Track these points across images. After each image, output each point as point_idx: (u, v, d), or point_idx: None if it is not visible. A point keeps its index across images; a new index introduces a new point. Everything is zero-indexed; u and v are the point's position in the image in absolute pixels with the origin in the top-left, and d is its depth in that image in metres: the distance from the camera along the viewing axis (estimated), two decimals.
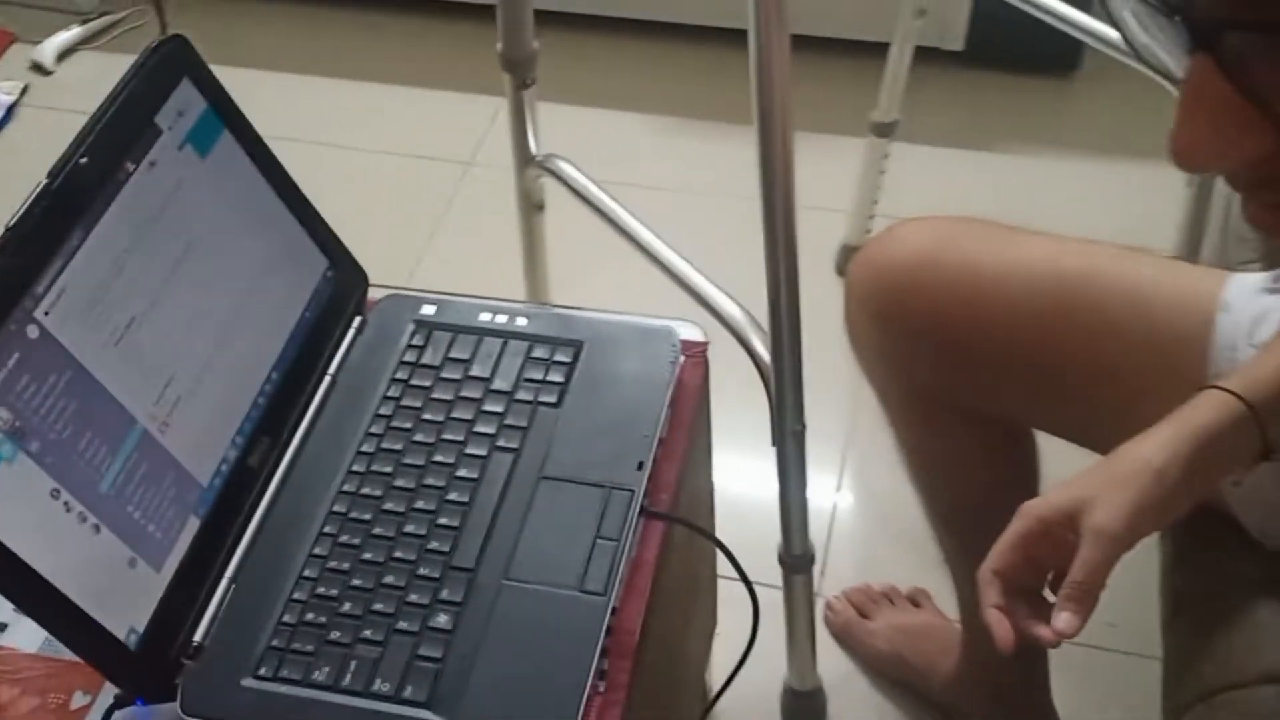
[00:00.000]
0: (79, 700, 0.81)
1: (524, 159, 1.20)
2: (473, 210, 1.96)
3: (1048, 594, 0.78)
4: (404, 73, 2.22)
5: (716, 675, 1.28)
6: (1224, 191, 1.40)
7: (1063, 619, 0.72)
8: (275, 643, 0.79)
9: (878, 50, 1.57)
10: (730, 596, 1.10)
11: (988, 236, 0.97)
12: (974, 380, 0.97)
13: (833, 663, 1.36)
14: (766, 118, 0.89)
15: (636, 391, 0.92)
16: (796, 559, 1.14)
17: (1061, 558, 0.75)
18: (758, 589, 0.89)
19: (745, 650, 0.91)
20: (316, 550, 0.83)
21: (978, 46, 2.06)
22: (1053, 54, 2.08)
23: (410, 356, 0.95)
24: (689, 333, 0.97)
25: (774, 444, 1.06)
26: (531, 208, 1.25)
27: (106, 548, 0.74)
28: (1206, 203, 1.44)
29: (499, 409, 0.91)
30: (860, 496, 1.55)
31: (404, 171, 2.05)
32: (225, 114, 0.85)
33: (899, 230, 0.99)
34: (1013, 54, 2.07)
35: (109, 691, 0.80)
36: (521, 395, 0.92)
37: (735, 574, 0.89)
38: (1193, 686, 0.91)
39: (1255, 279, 0.91)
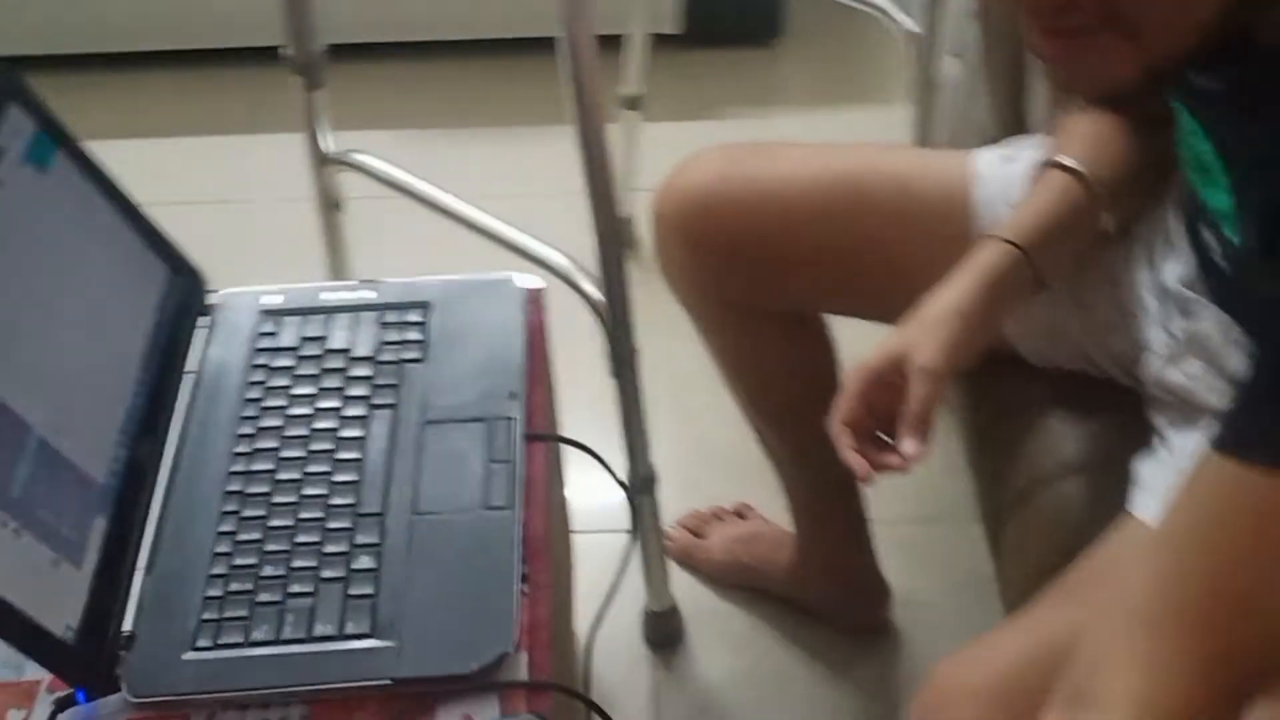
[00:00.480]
0: (14, 718, 0.81)
1: (319, 159, 1.24)
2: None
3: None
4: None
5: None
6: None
7: (906, 445, 0.85)
8: (207, 615, 0.81)
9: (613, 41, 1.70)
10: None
11: (768, 154, 1.10)
12: (774, 280, 1.10)
13: (681, 587, 1.46)
14: (579, 88, 0.99)
15: (492, 336, 0.99)
16: (643, 481, 1.23)
17: (895, 400, 0.88)
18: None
19: (622, 565, 1.01)
20: (223, 528, 0.86)
21: (694, 28, 2.24)
22: (758, 26, 2.31)
23: (266, 343, 0.99)
24: (524, 282, 1.05)
25: (612, 375, 1.15)
26: (330, 207, 1.29)
27: (29, 550, 0.75)
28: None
29: (367, 373, 0.96)
30: (675, 430, 1.66)
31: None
32: (56, 135, 0.87)
33: (692, 161, 1.10)
34: (724, 30, 2.28)
35: (44, 703, 0.80)
36: (385, 357, 0.97)
37: None
38: (1008, 495, 1.07)
39: (993, 153, 1.07)
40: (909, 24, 1.44)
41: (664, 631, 1.40)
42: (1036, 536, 1.02)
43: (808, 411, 1.21)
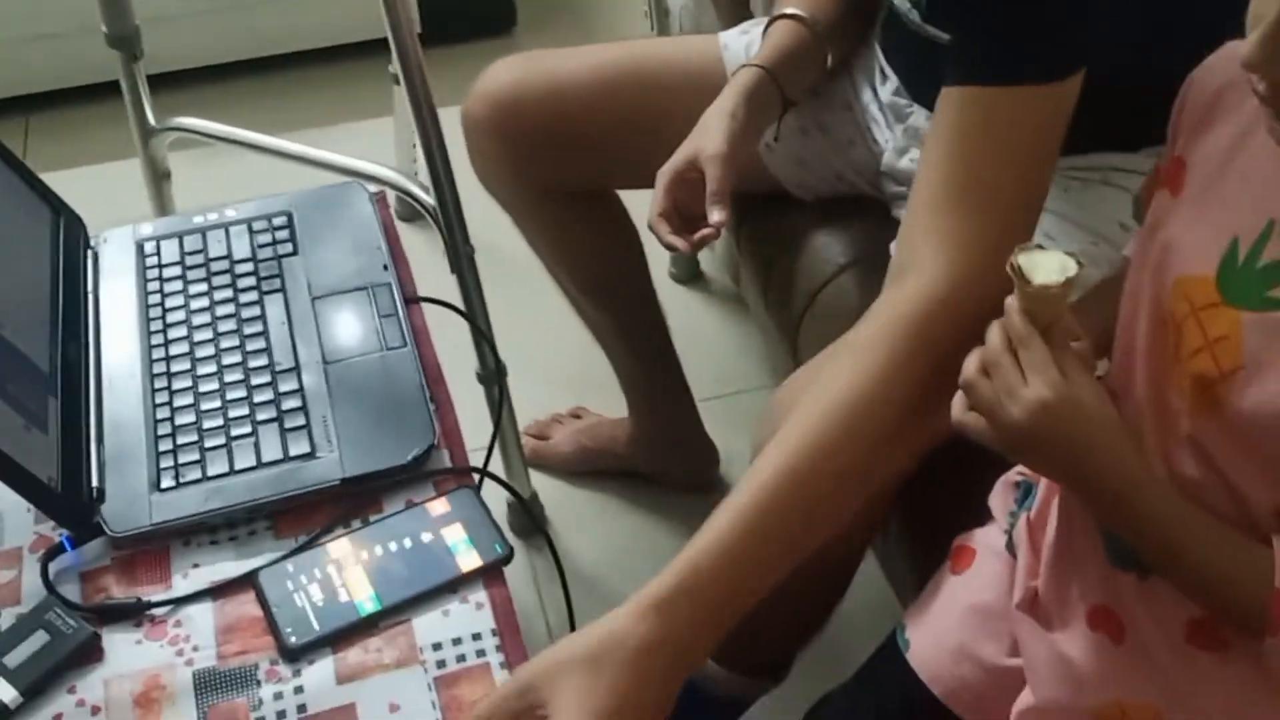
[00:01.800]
0: (6, 576, 0.90)
1: (146, 132, 1.36)
2: None
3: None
4: None
5: None
6: None
7: (715, 214, 1.06)
8: (165, 465, 0.94)
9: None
10: None
11: (560, 54, 1.32)
12: (575, 160, 1.30)
13: (537, 484, 1.63)
14: (396, 29, 1.17)
15: (353, 226, 1.14)
16: (492, 371, 1.39)
17: (696, 195, 1.09)
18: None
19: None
20: (160, 400, 0.99)
21: (433, 27, 2.41)
22: (493, 18, 2.51)
23: (151, 262, 1.11)
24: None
25: (453, 271, 1.32)
26: (160, 177, 1.41)
27: (7, 416, 0.86)
28: None
29: (249, 269, 1.10)
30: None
31: None
32: None
33: (493, 69, 1.30)
34: (461, 26, 2.47)
35: (30, 562, 0.91)
36: (263, 255, 1.11)
37: None
38: (797, 306, 1.29)
39: (732, 31, 1.31)
40: None
41: (526, 519, 1.56)
42: (829, 324, 1.24)
43: (619, 282, 1.42)
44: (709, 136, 1.10)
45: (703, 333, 1.84)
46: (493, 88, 1.28)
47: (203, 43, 2.31)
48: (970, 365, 0.77)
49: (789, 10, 1.19)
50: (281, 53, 2.40)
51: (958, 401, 0.78)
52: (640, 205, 1.37)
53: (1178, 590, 0.76)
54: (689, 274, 1.93)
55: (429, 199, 1.27)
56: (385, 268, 1.10)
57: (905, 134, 1.17)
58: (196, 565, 0.90)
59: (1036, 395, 0.73)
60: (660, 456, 1.60)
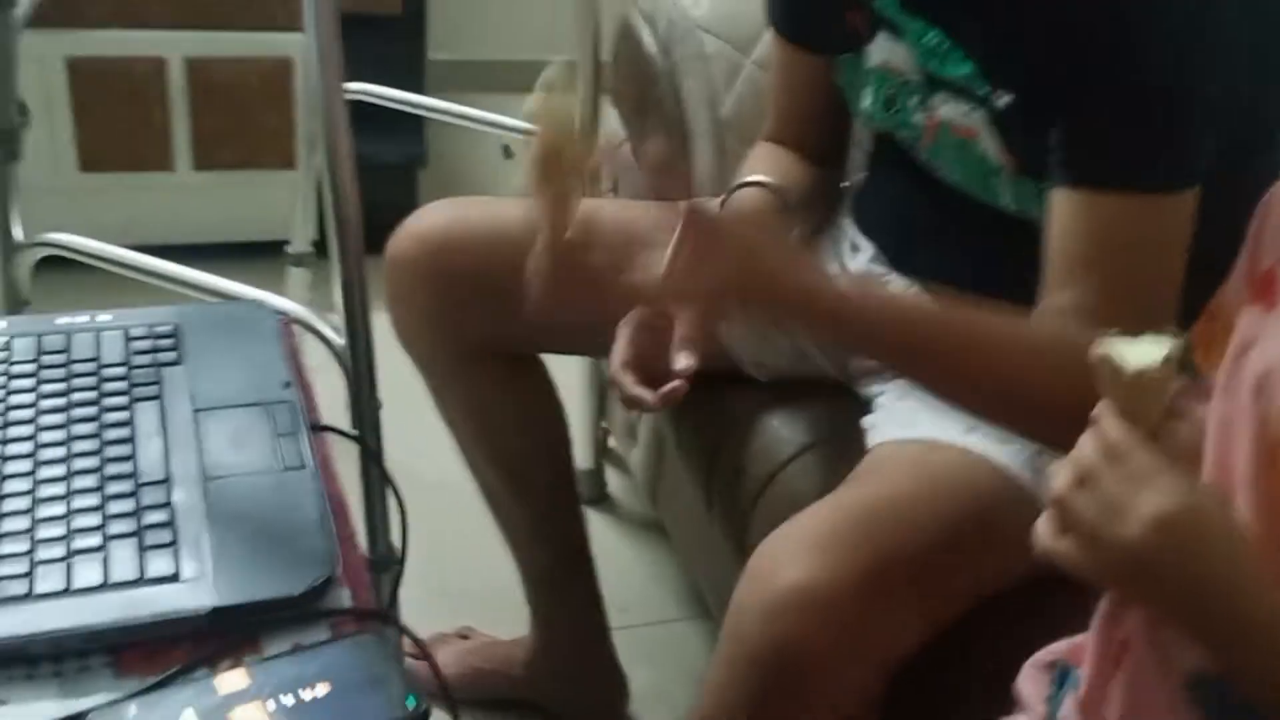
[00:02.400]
0: None
1: (8, 248, 1.17)
2: None
3: None
4: None
5: None
6: None
7: (682, 360, 0.92)
8: None
9: None
10: None
11: (490, 203, 1.20)
12: (502, 315, 1.16)
13: None
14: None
15: (249, 343, 0.97)
16: (383, 557, 1.19)
17: (660, 342, 0.95)
18: None
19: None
20: None
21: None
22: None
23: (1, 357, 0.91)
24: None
25: (354, 426, 1.14)
26: (18, 305, 1.21)
27: None
28: None
29: (120, 374, 0.91)
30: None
31: None
32: None
33: (422, 212, 1.18)
34: None
35: None
36: (138, 363, 0.93)
37: None
38: (749, 491, 1.14)
39: None
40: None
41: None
42: (788, 508, 1.09)
43: (540, 462, 1.26)
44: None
45: (609, 559, 1.66)
46: (425, 225, 1.16)
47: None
48: (1061, 479, 0.63)
49: (755, 178, 1.11)
50: None
51: (1044, 525, 0.64)
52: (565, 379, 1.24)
53: None
54: (595, 495, 1.77)
55: (339, 340, 1.11)
56: (286, 385, 0.92)
57: None
58: (3, 703, 0.67)
59: (1154, 509, 0.59)
60: (564, 682, 1.38)
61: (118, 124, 2.03)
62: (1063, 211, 0.91)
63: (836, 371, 1.14)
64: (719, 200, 1.12)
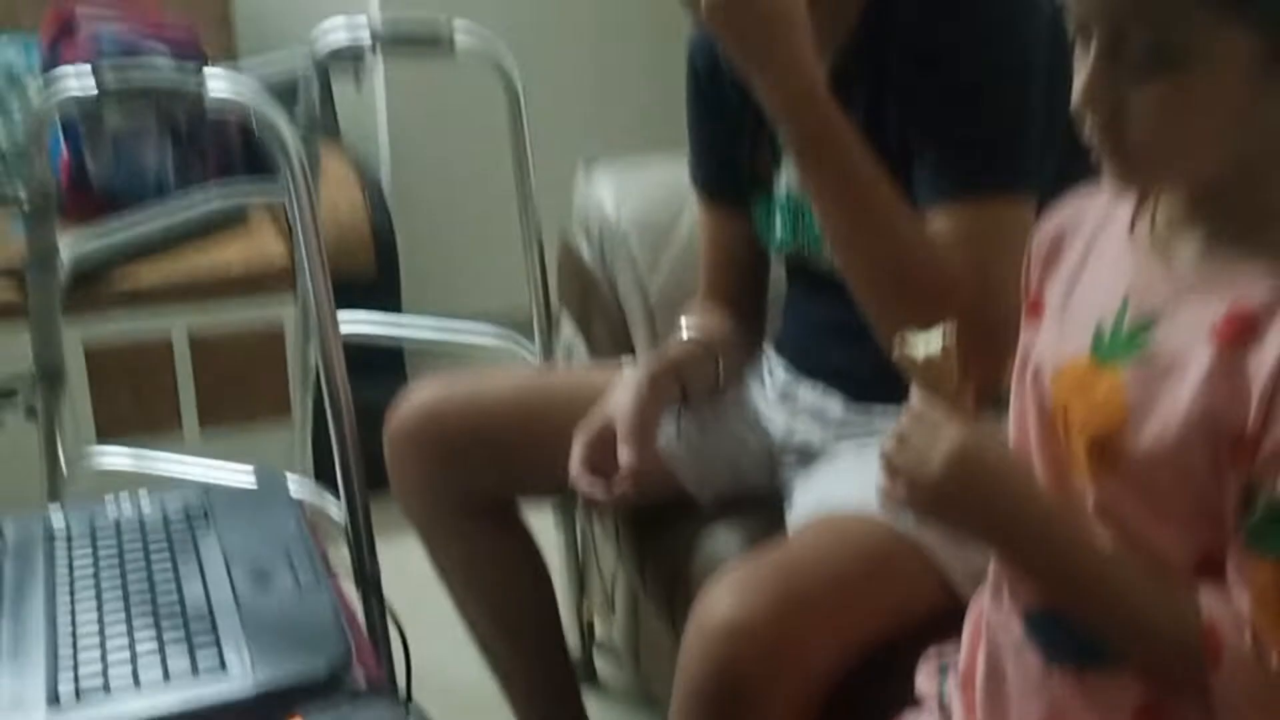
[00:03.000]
0: None
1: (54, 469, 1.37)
2: None
3: None
4: None
5: None
6: None
7: (624, 453, 1.13)
8: (63, 684, 0.88)
9: None
10: None
11: (478, 374, 1.43)
12: (489, 469, 1.36)
13: None
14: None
15: (269, 508, 1.16)
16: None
17: (611, 454, 1.16)
18: None
19: None
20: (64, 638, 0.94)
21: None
22: None
23: (61, 540, 1.10)
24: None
25: (357, 587, 1.31)
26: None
27: None
28: None
29: (161, 537, 1.09)
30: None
31: None
32: None
33: (414, 388, 1.40)
34: None
35: None
36: (176, 528, 1.11)
37: None
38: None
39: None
40: (532, 350, 1.80)
41: None
42: None
43: (527, 614, 1.44)
44: (618, 402, 1.19)
45: None
46: (417, 399, 1.39)
47: None
48: (887, 443, 0.82)
49: (686, 335, 1.34)
50: None
51: (881, 480, 0.83)
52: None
53: (1110, 638, 0.78)
54: (585, 678, 1.89)
55: (339, 513, 1.30)
56: (300, 537, 1.10)
57: (792, 410, 1.29)
58: None
59: (947, 446, 0.79)
60: None
61: (129, 395, 2.26)
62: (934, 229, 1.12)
63: (768, 479, 1.33)
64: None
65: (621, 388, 1.23)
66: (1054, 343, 0.86)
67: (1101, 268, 0.85)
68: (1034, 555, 0.81)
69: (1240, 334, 0.75)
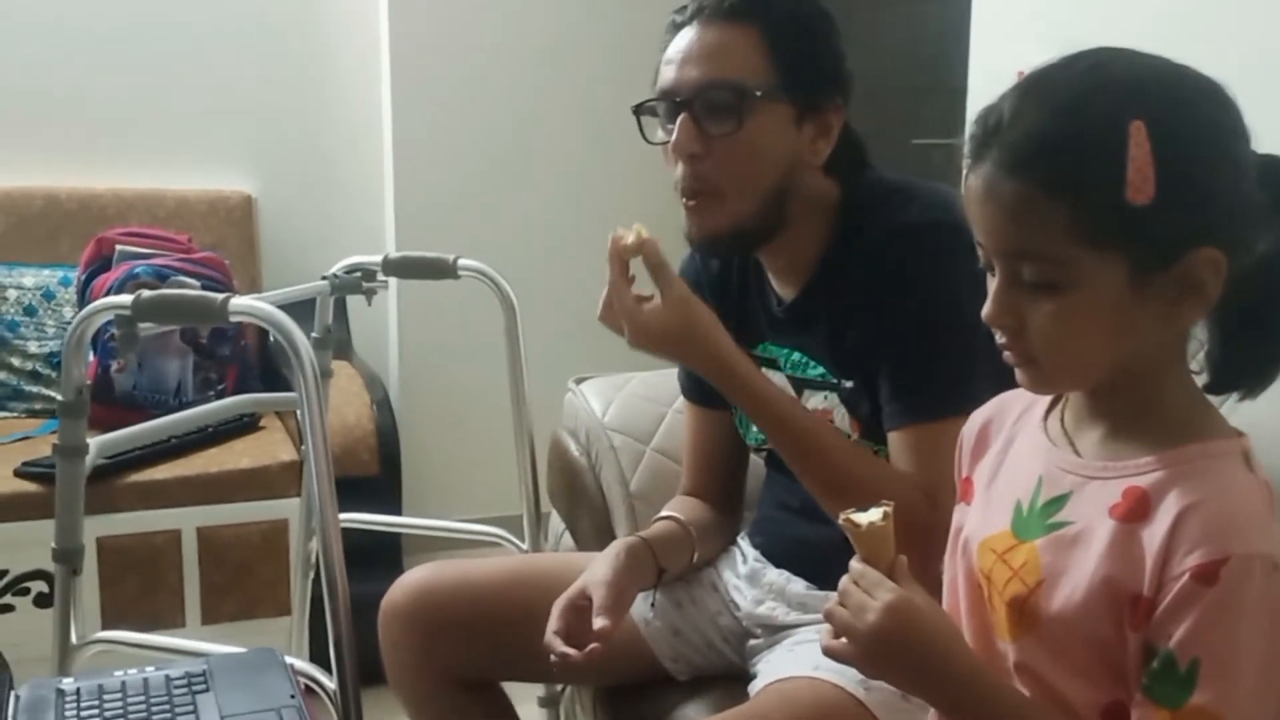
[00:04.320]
0: None
1: (65, 648, 1.45)
2: None
3: None
4: None
5: None
6: None
7: (599, 621, 1.22)
8: None
9: None
10: None
11: (472, 560, 1.52)
12: (476, 647, 1.44)
13: None
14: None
15: (265, 675, 1.24)
16: None
17: (587, 621, 1.25)
18: None
19: None
20: None
21: None
22: None
23: (70, 698, 1.18)
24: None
25: None
26: None
27: None
28: None
29: (163, 699, 1.17)
30: None
31: None
32: None
33: (413, 569, 1.51)
34: None
35: None
36: (178, 692, 1.19)
37: None
38: None
39: None
40: (522, 545, 1.90)
41: None
42: None
43: None
44: (595, 571, 1.29)
45: None
46: (410, 580, 1.49)
47: None
48: (830, 601, 0.93)
49: (667, 514, 1.45)
50: None
51: (824, 632, 0.93)
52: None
53: None
54: None
55: (330, 682, 1.37)
56: (292, 697, 1.19)
57: (760, 589, 1.38)
58: None
59: (882, 601, 0.89)
60: None
61: (137, 588, 2.35)
62: (894, 450, 1.28)
63: (737, 656, 1.42)
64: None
65: (600, 559, 1.34)
66: (981, 518, 0.98)
67: (1021, 454, 0.98)
68: (962, 701, 0.90)
69: (1134, 511, 0.88)
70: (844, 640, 0.92)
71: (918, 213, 1.29)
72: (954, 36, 2.16)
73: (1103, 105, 0.85)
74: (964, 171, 0.92)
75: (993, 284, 0.91)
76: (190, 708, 1.16)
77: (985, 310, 0.91)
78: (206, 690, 1.20)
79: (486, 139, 3.27)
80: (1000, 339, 0.92)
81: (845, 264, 1.33)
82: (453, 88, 3.24)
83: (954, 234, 1.22)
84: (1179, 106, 0.86)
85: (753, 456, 1.54)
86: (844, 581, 0.94)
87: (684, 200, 1.32)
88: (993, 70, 2.01)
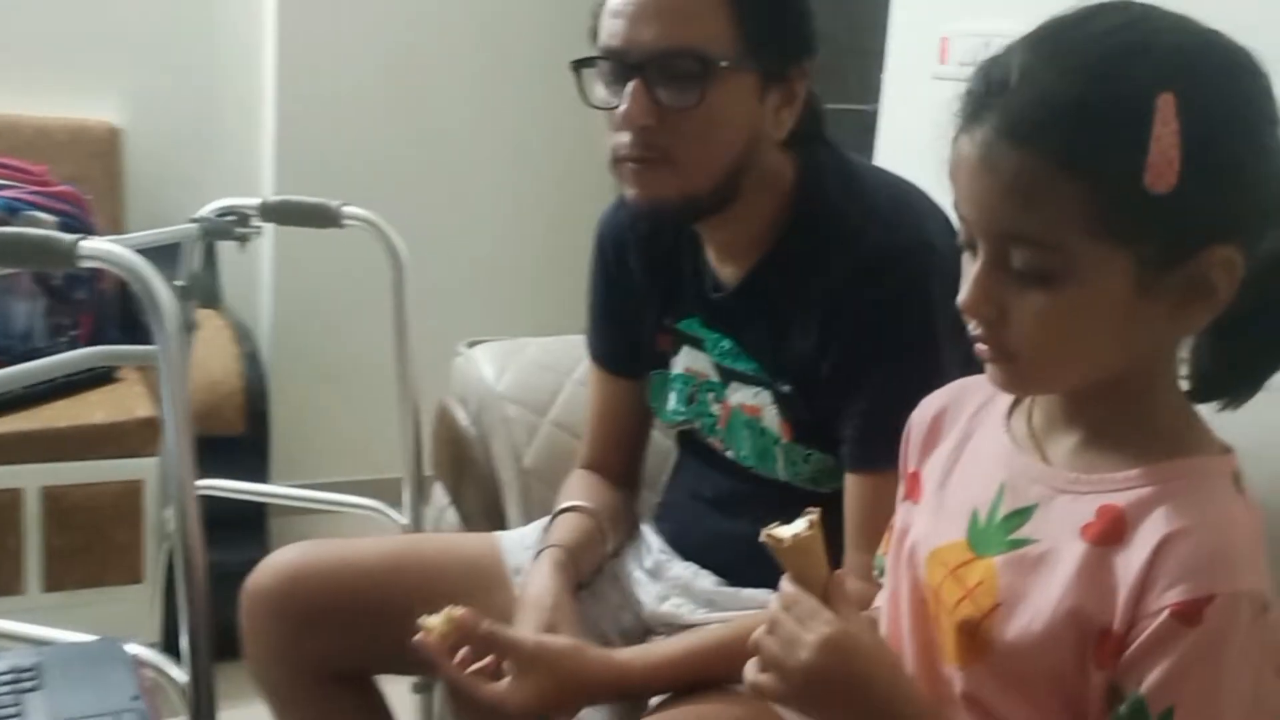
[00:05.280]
0: None
1: None
2: None
3: None
4: None
5: None
6: None
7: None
8: None
9: None
10: None
11: (340, 542, 1.37)
12: (347, 638, 1.31)
13: None
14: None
15: (104, 670, 1.09)
16: None
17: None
18: None
19: None
20: None
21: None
22: None
23: None
24: None
25: None
26: None
27: None
28: None
29: None
30: None
31: None
32: None
33: (276, 552, 1.36)
34: None
35: None
36: (1, 687, 1.03)
37: None
38: None
39: (513, 535, 1.41)
40: (401, 518, 1.76)
41: None
42: None
43: None
44: (532, 595, 1.21)
45: None
46: (278, 563, 1.34)
47: None
48: (758, 630, 0.81)
49: (574, 502, 1.32)
50: None
51: (750, 665, 0.81)
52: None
53: None
54: None
55: (181, 674, 1.22)
56: (135, 698, 1.04)
57: (665, 584, 1.27)
58: None
59: (817, 635, 0.78)
60: None
61: None
62: (850, 490, 1.15)
63: None
64: (545, 523, 1.32)
65: (532, 585, 1.22)
66: (931, 523, 0.87)
67: (979, 454, 0.88)
68: None
69: (1109, 534, 0.77)
70: (771, 675, 0.81)
71: (887, 233, 1.16)
72: None
73: (1132, 70, 0.74)
74: (954, 132, 0.80)
75: (971, 266, 0.80)
76: (15, 709, 1.01)
77: (962, 296, 0.80)
78: (35, 689, 1.05)
79: (380, 80, 3.05)
80: (974, 329, 0.81)
81: (796, 262, 1.19)
82: (345, 18, 3.01)
83: (928, 260, 1.11)
84: (1215, 81, 0.75)
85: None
86: (774, 608, 0.82)
87: (625, 163, 1.16)
88: (915, 31, 1.92)
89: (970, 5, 1.81)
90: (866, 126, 2.05)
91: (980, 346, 0.81)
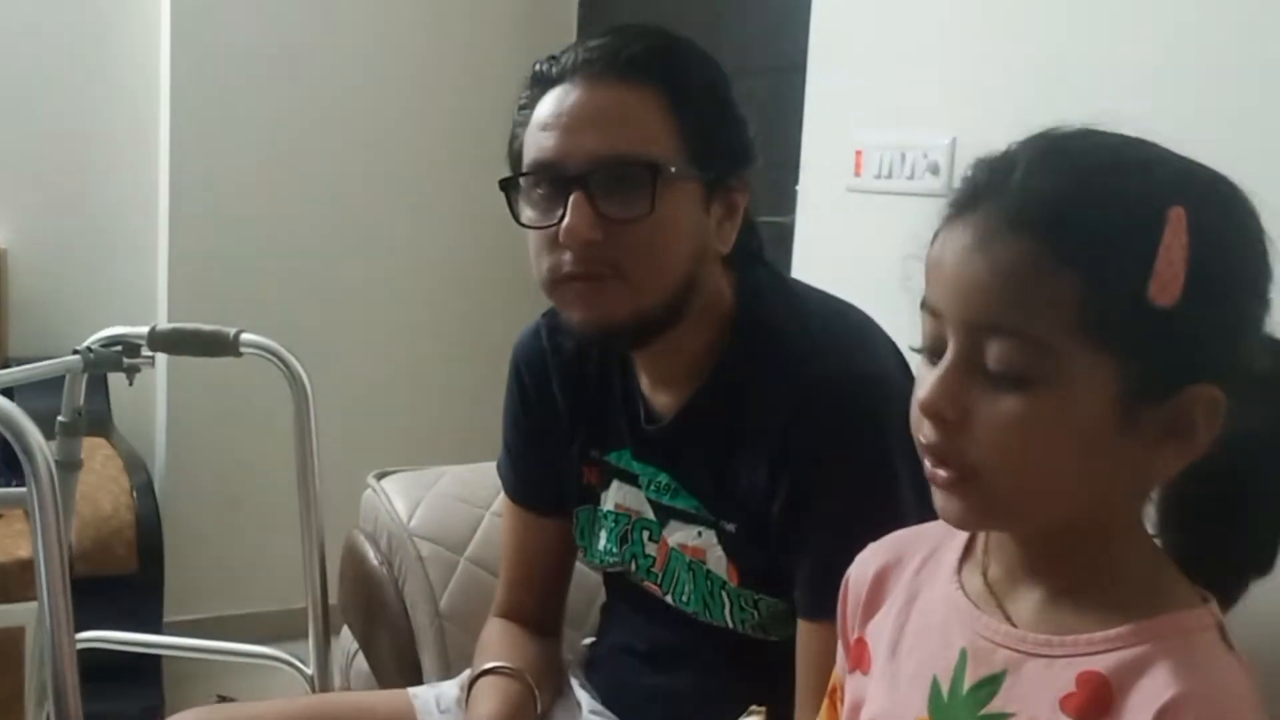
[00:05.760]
0: None
1: None
2: None
3: None
4: None
5: None
6: None
7: None
8: None
9: None
10: None
11: (249, 703, 1.26)
12: None
13: None
14: None
15: None
16: None
17: None
18: None
19: None
20: None
21: None
22: None
23: None
24: None
25: None
26: None
27: None
28: None
29: None
30: None
31: None
32: None
33: (181, 713, 1.23)
34: None
35: None
36: None
37: None
38: None
39: (428, 694, 1.31)
40: (306, 668, 1.64)
41: None
42: None
43: None
44: None
45: None
46: None
47: None
48: None
49: (495, 664, 1.22)
50: None
51: None
52: None
53: None
54: None
55: None
56: None
57: None
58: None
59: None
60: None
61: None
62: (803, 640, 1.06)
63: None
64: (465, 681, 1.22)
65: None
66: (887, 698, 0.80)
67: (931, 616, 0.80)
68: None
69: (1094, 705, 0.70)
70: None
71: (838, 359, 1.09)
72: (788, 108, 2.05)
73: (1142, 179, 0.71)
74: (937, 229, 0.74)
75: (932, 367, 0.73)
76: None
77: (923, 395, 0.72)
78: None
79: (277, 199, 2.97)
80: (928, 439, 0.73)
81: (739, 390, 1.12)
82: (239, 140, 2.93)
83: (882, 386, 1.04)
84: (1221, 208, 0.72)
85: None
86: None
87: (568, 283, 1.08)
88: (829, 143, 1.91)
89: (884, 117, 1.81)
90: (783, 238, 2.03)
91: (932, 469, 0.73)
